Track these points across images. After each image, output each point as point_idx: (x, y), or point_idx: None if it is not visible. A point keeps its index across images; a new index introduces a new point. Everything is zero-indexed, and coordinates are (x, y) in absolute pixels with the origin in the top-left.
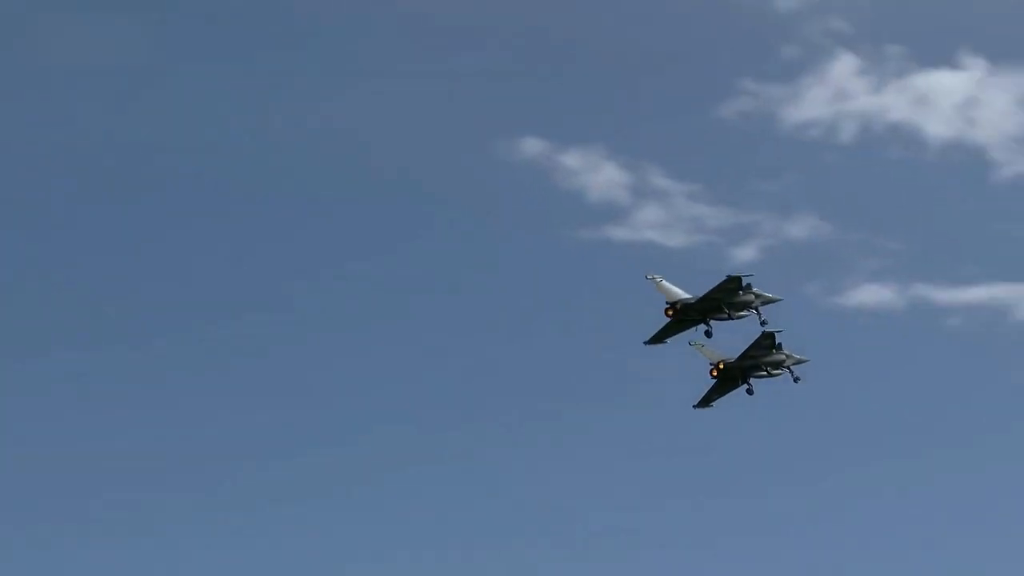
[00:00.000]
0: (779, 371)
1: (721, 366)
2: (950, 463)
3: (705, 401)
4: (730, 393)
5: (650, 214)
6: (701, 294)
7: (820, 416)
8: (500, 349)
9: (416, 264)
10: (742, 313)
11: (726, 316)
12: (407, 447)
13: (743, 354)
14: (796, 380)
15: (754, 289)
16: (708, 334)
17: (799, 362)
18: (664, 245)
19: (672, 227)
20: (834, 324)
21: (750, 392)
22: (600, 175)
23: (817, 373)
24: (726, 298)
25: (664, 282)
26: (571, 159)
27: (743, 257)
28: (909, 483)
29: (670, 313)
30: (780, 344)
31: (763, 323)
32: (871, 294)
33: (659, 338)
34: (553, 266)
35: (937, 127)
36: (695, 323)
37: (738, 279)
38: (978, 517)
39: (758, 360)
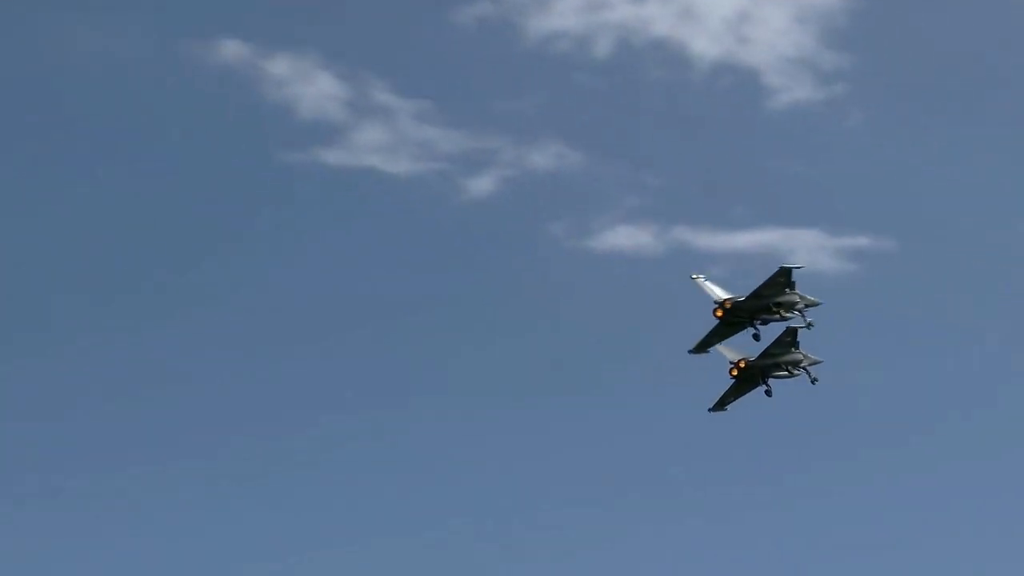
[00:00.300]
0: (798, 371)
1: (742, 364)
2: (720, 427)
3: (720, 404)
4: (746, 395)
5: (371, 135)
6: (748, 292)
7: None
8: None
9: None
10: (788, 315)
11: (777, 317)
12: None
13: (764, 352)
14: (814, 382)
15: (797, 290)
16: (756, 337)
17: (814, 363)
18: (386, 172)
19: (396, 151)
20: (581, 270)
21: (768, 393)
22: (313, 87)
23: (566, 320)
24: (774, 295)
25: (708, 282)
26: (278, 66)
27: (479, 189)
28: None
29: (719, 314)
30: (798, 343)
31: (809, 325)
32: (626, 237)
33: (704, 346)
34: (254, 193)
35: (705, 45)
36: (742, 326)
37: (789, 272)
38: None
39: (778, 359)
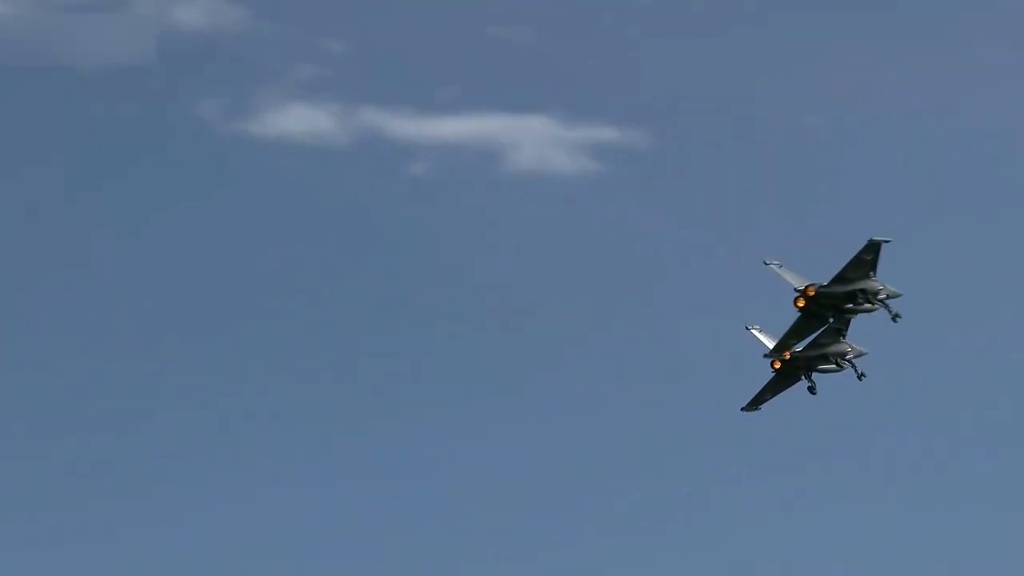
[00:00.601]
0: (845, 364)
1: (787, 356)
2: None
3: (755, 402)
4: (784, 391)
5: None
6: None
7: None
8: None
9: None
10: (874, 306)
11: (866, 307)
12: None
13: (812, 341)
14: (861, 377)
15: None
16: (840, 332)
17: (860, 354)
18: None
19: None
20: (238, 160)
21: (813, 391)
22: None
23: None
24: (860, 279)
25: (784, 268)
26: None
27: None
28: None
29: (800, 304)
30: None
31: (895, 318)
32: (298, 119)
33: (782, 348)
34: None
35: None
36: (822, 319)
37: (878, 247)
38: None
39: (825, 350)
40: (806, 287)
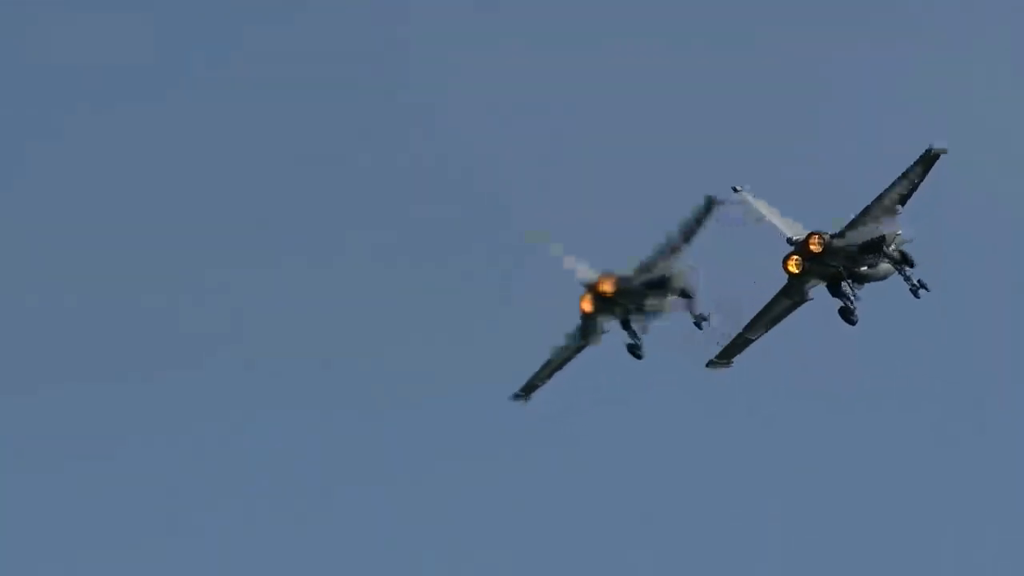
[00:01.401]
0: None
1: (607, 289)
2: None
3: (529, 387)
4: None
5: None
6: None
7: None
8: None
9: None
10: (886, 265)
11: (884, 271)
12: None
13: (647, 263)
14: (701, 323)
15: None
16: (848, 310)
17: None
18: None
19: None
20: None
21: (637, 352)
22: None
23: None
24: (885, 217)
25: (758, 200)
26: None
27: None
28: None
29: (792, 267)
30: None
31: (918, 289)
32: None
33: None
34: None
35: None
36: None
37: (933, 161)
38: None
39: (658, 272)
40: (809, 236)
